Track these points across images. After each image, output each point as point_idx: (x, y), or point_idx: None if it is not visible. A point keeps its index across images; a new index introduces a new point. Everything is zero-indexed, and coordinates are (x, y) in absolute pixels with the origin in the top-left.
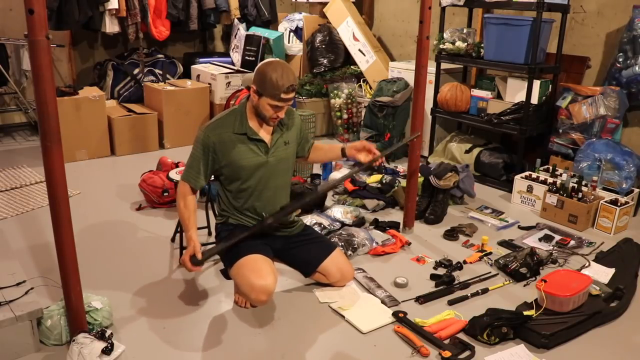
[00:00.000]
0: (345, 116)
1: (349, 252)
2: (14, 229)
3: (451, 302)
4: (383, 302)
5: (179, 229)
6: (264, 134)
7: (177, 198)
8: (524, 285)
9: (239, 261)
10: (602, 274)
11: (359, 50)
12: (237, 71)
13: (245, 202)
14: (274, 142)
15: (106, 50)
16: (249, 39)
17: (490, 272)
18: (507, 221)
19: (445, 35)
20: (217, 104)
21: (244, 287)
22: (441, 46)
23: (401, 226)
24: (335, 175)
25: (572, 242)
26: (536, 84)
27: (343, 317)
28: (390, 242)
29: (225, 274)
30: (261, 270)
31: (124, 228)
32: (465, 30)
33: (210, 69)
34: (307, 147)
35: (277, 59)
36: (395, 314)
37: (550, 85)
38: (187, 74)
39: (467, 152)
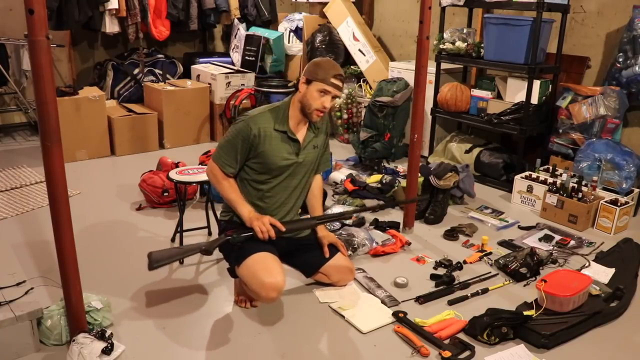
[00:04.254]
0: (345, 116)
1: (349, 252)
2: (14, 229)
3: (451, 302)
4: (383, 302)
5: (179, 229)
6: (299, 134)
7: (213, 180)
8: (524, 285)
9: (247, 259)
10: (602, 274)
11: (359, 50)
12: (237, 71)
13: (263, 197)
14: (305, 144)
15: (106, 50)
16: (249, 39)
17: (490, 272)
18: (507, 221)
19: (445, 35)
20: (217, 104)
21: (253, 285)
22: (441, 46)
23: (401, 226)
24: (336, 175)
25: (572, 242)
26: (536, 84)
27: (343, 317)
28: (390, 242)
29: (232, 272)
30: (271, 268)
31: (124, 228)
32: (465, 30)
33: (210, 69)
34: (320, 169)
35: (327, 57)
36: (395, 314)
37: (550, 85)
38: (187, 74)
39: (467, 152)
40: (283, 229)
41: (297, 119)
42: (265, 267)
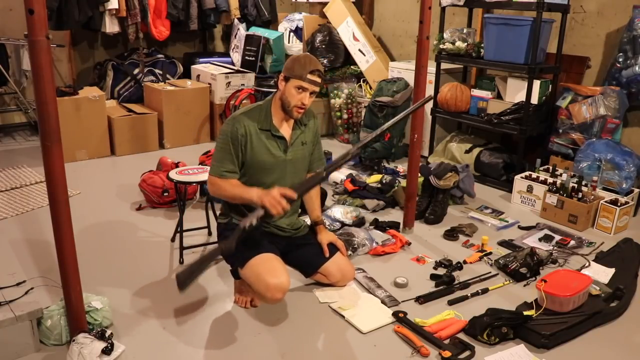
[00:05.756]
0: (345, 116)
1: (349, 252)
2: (14, 229)
3: (451, 302)
4: (383, 302)
5: (179, 229)
6: (285, 131)
7: (216, 192)
8: (524, 285)
9: (251, 261)
10: (602, 274)
11: (359, 50)
12: (237, 71)
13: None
14: (293, 140)
15: (106, 50)
16: (249, 39)
17: (490, 272)
18: (507, 221)
19: (445, 35)
20: (217, 104)
21: (259, 286)
22: (441, 46)
23: (401, 226)
24: (335, 175)
25: (572, 242)
26: (536, 84)
27: (343, 317)
28: (390, 242)
29: (235, 274)
30: (275, 269)
31: (124, 228)
32: (465, 30)
33: (210, 69)
34: (313, 167)
35: (306, 53)
36: (395, 314)
37: (550, 85)
38: (187, 74)
39: (467, 152)
40: (294, 195)
41: (280, 117)
42: (270, 268)
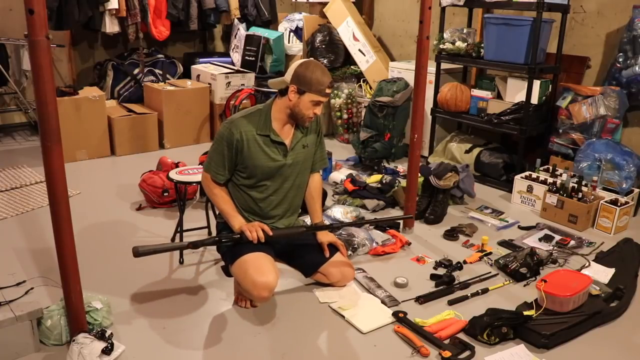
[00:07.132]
0: (345, 116)
1: (349, 252)
2: (14, 229)
3: (451, 302)
4: (383, 302)
5: (179, 229)
6: (285, 136)
7: (206, 190)
8: (524, 285)
9: (240, 258)
10: (602, 274)
11: (359, 50)
12: (237, 71)
13: (257, 200)
14: (293, 145)
15: (106, 50)
16: (249, 39)
17: (490, 272)
18: (507, 221)
19: (445, 35)
20: (217, 104)
21: (246, 284)
22: (441, 46)
23: (401, 226)
24: (335, 175)
25: (572, 242)
26: (536, 84)
27: (343, 317)
28: (390, 242)
29: (226, 271)
30: (263, 267)
31: (124, 228)
32: (465, 30)
33: (210, 69)
34: (315, 168)
35: (310, 59)
36: (395, 314)
37: (550, 85)
38: (187, 74)
39: (467, 152)
40: (270, 233)
41: (283, 121)
42: (258, 266)
